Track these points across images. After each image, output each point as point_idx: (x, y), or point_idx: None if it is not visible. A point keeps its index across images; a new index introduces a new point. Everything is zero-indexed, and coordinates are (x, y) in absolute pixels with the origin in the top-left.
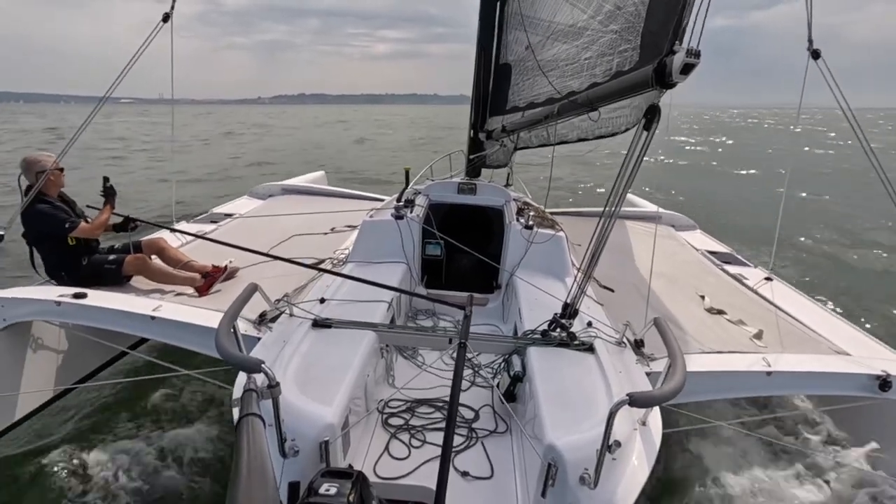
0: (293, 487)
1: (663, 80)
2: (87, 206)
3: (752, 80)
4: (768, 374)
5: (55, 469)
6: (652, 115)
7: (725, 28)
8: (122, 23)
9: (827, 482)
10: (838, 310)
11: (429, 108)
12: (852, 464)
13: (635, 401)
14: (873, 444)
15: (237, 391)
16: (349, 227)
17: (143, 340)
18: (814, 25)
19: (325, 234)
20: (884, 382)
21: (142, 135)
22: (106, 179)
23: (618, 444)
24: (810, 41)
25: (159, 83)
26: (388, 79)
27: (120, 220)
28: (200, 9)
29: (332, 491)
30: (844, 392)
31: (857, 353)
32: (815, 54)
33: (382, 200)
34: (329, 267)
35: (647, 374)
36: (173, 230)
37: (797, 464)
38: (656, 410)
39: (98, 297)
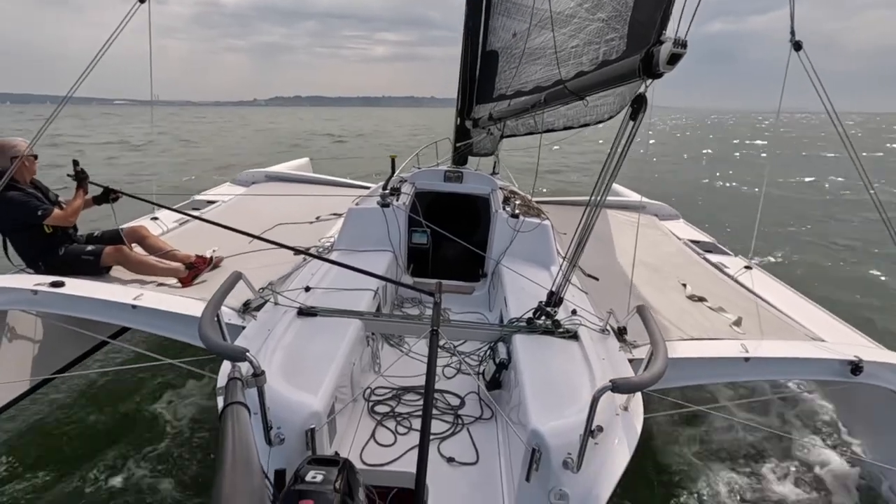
0: (279, 475)
1: (650, 70)
2: (67, 187)
3: (752, 84)
4: (746, 360)
5: (32, 462)
6: (639, 105)
7: (721, 32)
8: (125, 27)
9: (800, 463)
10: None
11: (421, 110)
12: (825, 446)
13: (618, 387)
14: (845, 426)
15: (221, 380)
16: (334, 214)
17: (123, 330)
18: (817, 31)
19: (311, 222)
20: (855, 367)
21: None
22: (76, 163)
23: (600, 429)
24: (792, 32)
25: (155, 85)
26: (385, 81)
27: (99, 191)
28: (199, 10)
29: (319, 478)
30: (819, 377)
31: (831, 338)
32: (797, 46)
33: (368, 188)
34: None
35: (630, 360)
36: (157, 205)
37: (772, 446)
38: (638, 396)
39: (76, 286)
